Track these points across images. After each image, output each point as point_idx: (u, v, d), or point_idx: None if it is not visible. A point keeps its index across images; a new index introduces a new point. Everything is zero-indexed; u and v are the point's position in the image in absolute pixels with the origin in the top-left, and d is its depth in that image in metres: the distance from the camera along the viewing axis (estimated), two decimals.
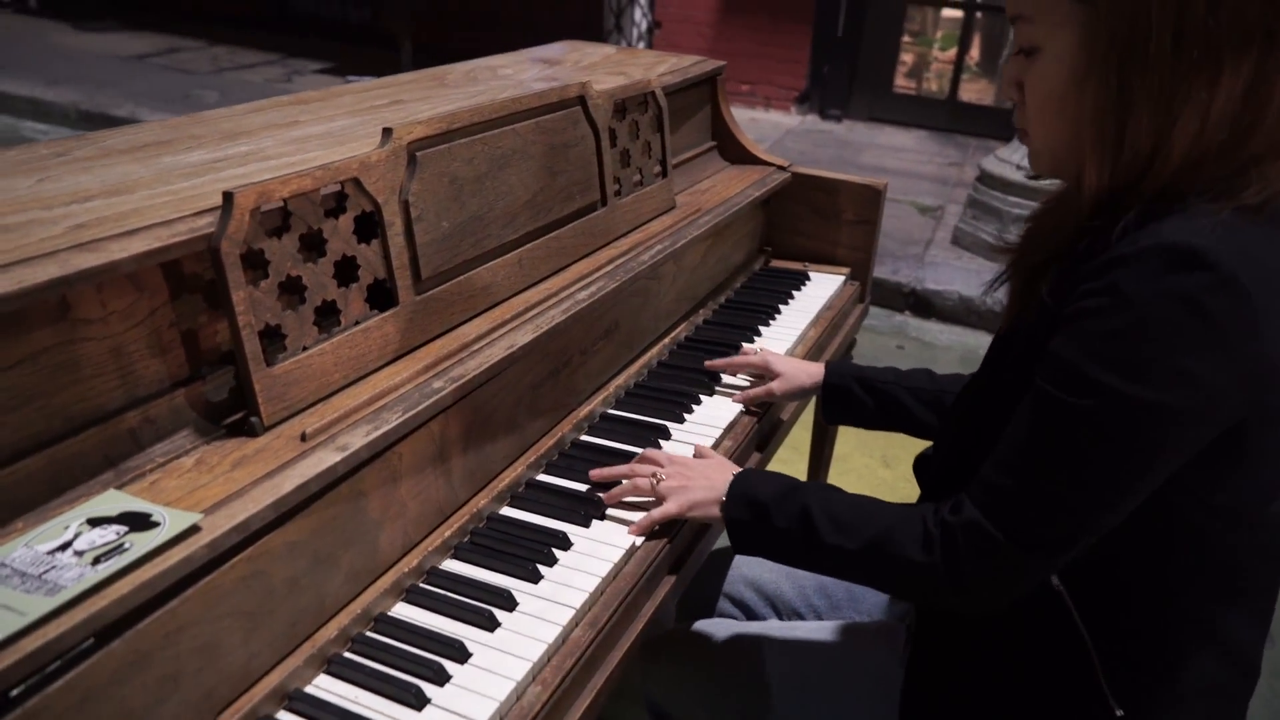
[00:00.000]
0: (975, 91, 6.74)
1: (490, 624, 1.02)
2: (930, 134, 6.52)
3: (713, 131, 2.16)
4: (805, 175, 2.07)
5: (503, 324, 1.24)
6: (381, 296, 1.12)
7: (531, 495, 1.24)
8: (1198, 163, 0.86)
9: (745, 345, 1.67)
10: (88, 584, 0.74)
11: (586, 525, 1.18)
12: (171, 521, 0.81)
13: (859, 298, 2.09)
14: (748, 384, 1.56)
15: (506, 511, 1.21)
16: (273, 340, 1.00)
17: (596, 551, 1.14)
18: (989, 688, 1.06)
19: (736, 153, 2.15)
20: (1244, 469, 0.90)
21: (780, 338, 1.75)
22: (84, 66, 6.97)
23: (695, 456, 1.29)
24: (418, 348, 1.16)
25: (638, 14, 6.81)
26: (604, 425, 1.42)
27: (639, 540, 1.17)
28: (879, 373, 1.42)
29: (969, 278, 4.08)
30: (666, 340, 1.67)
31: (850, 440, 2.93)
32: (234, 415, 0.99)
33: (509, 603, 1.05)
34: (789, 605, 1.42)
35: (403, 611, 1.04)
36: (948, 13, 6.95)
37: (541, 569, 1.10)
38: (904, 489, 2.78)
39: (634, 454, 1.31)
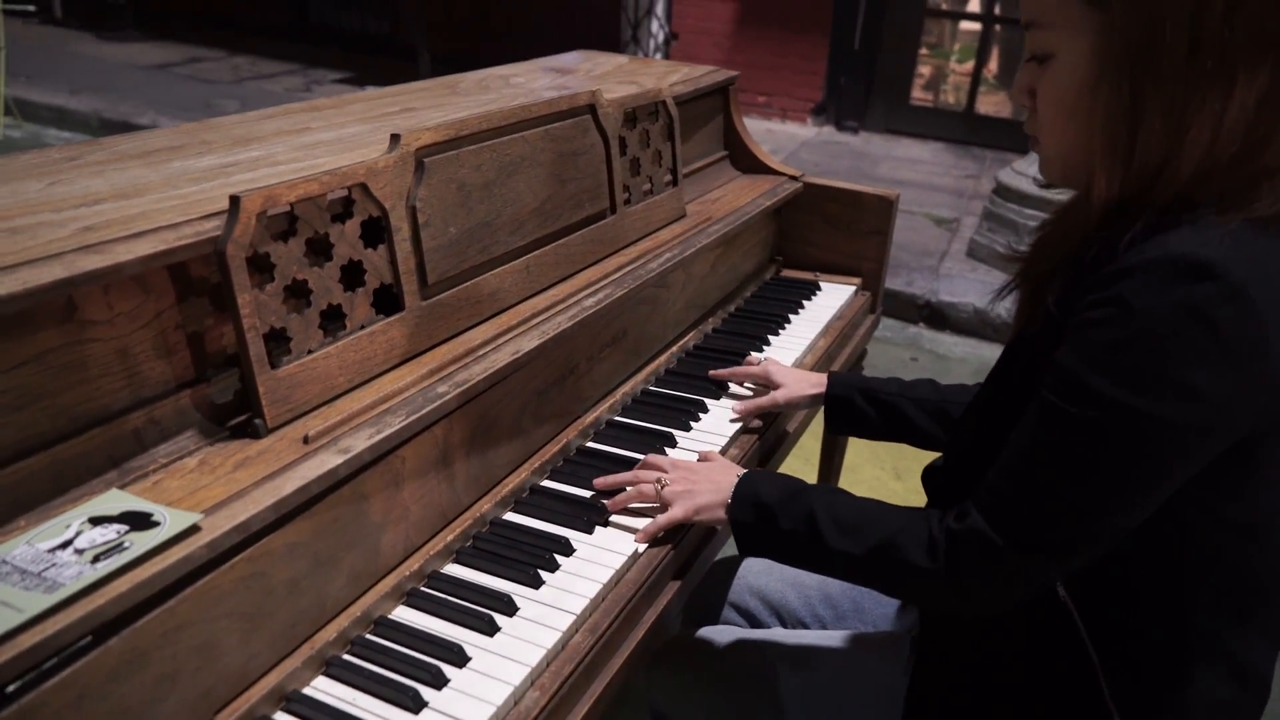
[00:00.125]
0: (993, 104, 6.73)
1: (490, 628, 1.02)
2: (947, 146, 6.51)
3: (725, 141, 2.16)
4: (817, 185, 2.07)
5: (509, 330, 1.24)
6: (387, 301, 1.13)
7: (535, 501, 1.25)
8: (1209, 174, 0.86)
9: (752, 355, 1.67)
10: (86, 582, 0.74)
11: (589, 531, 1.18)
12: (172, 521, 0.82)
13: (870, 308, 2.09)
14: (752, 394, 1.55)
15: (510, 517, 1.21)
16: (278, 343, 1.00)
17: (598, 558, 1.14)
18: (992, 699, 1.06)
19: (748, 162, 2.15)
20: (1257, 483, 0.89)
21: (790, 347, 1.75)
22: (107, 75, 7.05)
23: (699, 460, 1.29)
24: (423, 352, 1.16)
25: (655, 25, 6.83)
26: (610, 432, 1.42)
27: (642, 547, 1.17)
28: (882, 383, 1.42)
29: (984, 290, 4.06)
30: (675, 348, 1.67)
31: (861, 452, 2.92)
32: (238, 417, 0.99)
33: (509, 608, 1.05)
34: (794, 614, 1.41)
35: (403, 615, 1.04)
36: (965, 25, 6.95)
37: (543, 574, 1.10)
38: (915, 501, 2.74)
39: (639, 461, 1.31)
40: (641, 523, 1.19)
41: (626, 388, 1.51)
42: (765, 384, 1.52)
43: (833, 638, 1.30)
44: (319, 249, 1.04)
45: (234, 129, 1.37)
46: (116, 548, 0.78)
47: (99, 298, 0.88)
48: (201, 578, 0.82)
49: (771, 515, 1.09)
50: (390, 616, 1.04)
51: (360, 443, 0.97)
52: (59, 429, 0.86)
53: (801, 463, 2.73)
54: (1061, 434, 0.88)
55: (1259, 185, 0.85)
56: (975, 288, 4.11)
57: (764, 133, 6.47)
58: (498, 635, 1.01)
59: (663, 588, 1.18)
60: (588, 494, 1.26)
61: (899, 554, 0.99)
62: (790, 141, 6.34)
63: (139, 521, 0.82)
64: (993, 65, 6.74)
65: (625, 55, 2.27)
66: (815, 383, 1.47)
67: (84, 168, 1.13)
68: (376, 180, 1.09)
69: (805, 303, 1.94)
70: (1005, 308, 1.07)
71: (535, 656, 0.98)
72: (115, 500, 0.85)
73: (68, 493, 0.86)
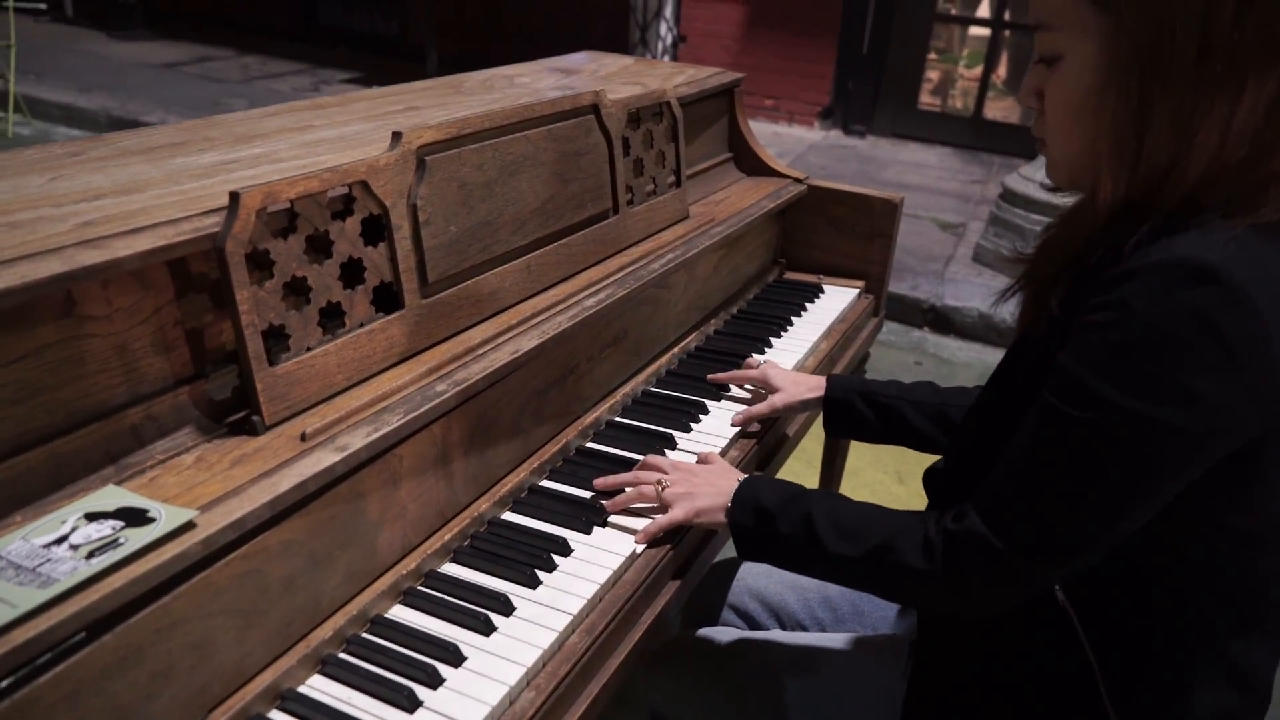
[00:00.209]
0: (1001, 109, 6.72)
1: (486, 628, 1.01)
2: (954, 151, 6.50)
3: (729, 143, 2.16)
4: (821, 188, 2.07)
5: (509, 329, 1.24)
6: (387, 299, 1.12)
7: (534, 501, 1.24)
8: (1216, 178, 0.85)
9: (753, 357, 1.66)
10: (80, 577, 0.74)
11: (588, 532, 1.18)
12: (167, 518, 0.82)
13: (873, 311, 2.08)
14: (750, 397, 1.55)
15: (508, 516, 1.21)
16: (277, 340, 1.00)
17: (596, 559, 1.13)
18: (991, 704, 1.05)
19: (753, 164, 2.15)
20: (1259, 490, 0.88)
21: (792, 350, 1.74)
22: (116, 74, 7.07)
23: (699, 463, 1.28)
24: (423, 351, 1.16)
25: (663, 28, 6.84)
26: (610, 433, 1.42)
27: (641, 548, 1.16)
28: (882, 386, 1.41)
29: (989, 295, 4.05)
30: (676, 349, 1.66)
31: (864, 455, 2.91)
32: (236, 414, 0.99)
33: (506, 607, 1.04)
34: (793, 617, 1.41)
35: (399, 614, 1.04)
36: (974, 31, 6.94)
37: (540, 574, 1.10)
38: (917, 505, 2.74)
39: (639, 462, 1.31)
40: (640, 523, 1.19)
41: (627, 388, 1.51)
42: (764, 387, 1.52)
43: (832, 640, 1.30)
44: (319, 246, 1.04)
45: (237, 126, 1.37)
46: (112, 544, 0.78)
47: (98, 293, 0.88)
48: (196, 574, 0.82)
49: (771, 519, 1.09)
50: (387, 615, 1.03)
51: (357, 441, 0.97)
52: (57, 424, 0.86)
53: (803, 465, 2.72)
54: (1062, 436, 0.87)
55: (1266, 190, 0.85)
56: (980, 292, 4.10)
57: (771, 136, 6.47)
58: (494, 635, 1.01)
59: (661, 589, 1.18)
60: (587, 494, 1.26)
61: (895, 556, 0.99)
62: (797, 145, 6.34)
63: (135, 518, 0.82)
64: (1001, 70, 6.73)
65: (631, 56, 2.27)
66: (813, 386, 1.47)
67: (86, 163, 1.13)
68: (377, 178, 1.09)
69: (808, 305, 1.94)
70: (1010, 312, 1.07)
71: (531, 657, 0.98)
72: (112, 496, 0.85)
73: (65, 488, 0.86)
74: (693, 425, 1.45)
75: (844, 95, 6.72)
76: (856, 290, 2.05)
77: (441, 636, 1.00)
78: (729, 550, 1.28)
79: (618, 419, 1.46)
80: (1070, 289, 0.93)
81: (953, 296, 4.07)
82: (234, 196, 0.94)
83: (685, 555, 1.23)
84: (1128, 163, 0.88)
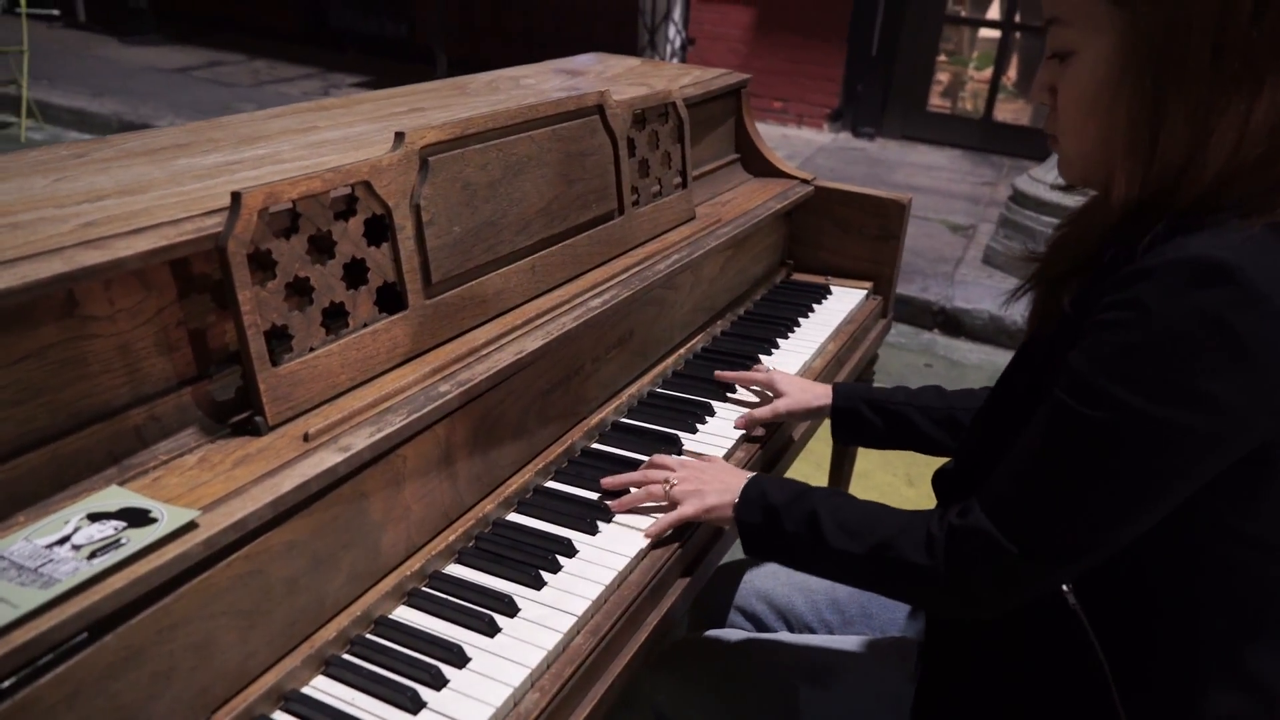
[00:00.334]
0: (1011, 111, 6.70)
1: (490, 629, 1.01)
2: (964, 153, 6.48)
3: (736, 144, 2.15)
4: (829, 189, 2.06)
5: (513, 330, 1.23)
6: (391, 300, 1.12)
7: (539, 501, 1.24)
8: (1233, 177, 0.84)
9: (761, 357, 1.66)
10: (82, 578, 0.74)
11: (593, 533, 1.17)
12: (169, 518, 0.81)
13: (882, 313, 2.07)
14: (756, 400, 1.54)
15: (513, 517, 1.21)
16: (280, 341, 1.00)
17: (602, 559, 1.13)
18: (1000, 709, 1.04)
19: (760, 166, 2.14)
20: (1272, 496, 0.87)
21: (799, 350, 1.73)
22: (127, 79, 7.11)
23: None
24: (426, 351, 1.15)
25: (671, 31, 6.84)
26: (615, 434, 1.41)
27: (646, 544, 1.16)
28: (888, 393, 1.41)
29: (999, 297, 4.03)
30: (682, 350, 1.66)
31: (873, 457, 2.90)
32: (240, 414, 0.99)
33: (510, 608, 1.04)
34: (800, 619, 1.40)
35: (403, 614, 1.03)
36: (985, 33, 6.92)
37: (545, 575, 1.09)
38: (927, 507, 2.74)
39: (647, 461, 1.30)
40: (647, 523, 1.19)
41: (633, 389, 1.50)
42: (769, 391, 1.51)
43: (840, 643, 1.29)
44: (322, 247, 1.04)
45: (241, 127, 1.38)
46: (114, 544, 0.78)
47: (100, 293, 0.88)
48: (198, 575, 0.81)
49: (777, 516, 1.09)
50: (390, 616, 1.03)
51: (360, 441, 0.97)
52: (59, 425, 0.86)
53: (812, 467, 2.71)
54: (1071, 435, 0.86)
55: None
56: (990, 294, 4.08)
57: (780, 138, 6.46)
58: (498, 636, 1.01)
59: (667, 590, 1.18)
60: (592, 495, 1.25)
61: (896, 552, 0.98)
62: (806, 147, 6.33)
63: (137, 518, 0.82)
64: (1011, 72, 6.71)
65: (638, 58, 2.27)
66: (819, 394, 1.46)
67: (90, 164, 1.13)
68: (380, 178, 1.08)
69: (815, 306, 1.93)
70: (1020, 314, 1.06)
71: (535, 658, 0.98)
72: (114, 497, 0.85)
73: (67, 488, 0.86)
74: (699, 427, 1.45)
75: (853, 97, 6.71)
76: (864, 291, 2.04)
77: (445, 637, 0.99)
78: (736, 552, 1.28)
79: (623, 420, 1.45)
80: (1082, 288, 0.92)
81: (963, 298, 4.06)
82: (236, 197, 0.94)
83: (692, 555, 1.23)
84: (1141, 160, 0.87)
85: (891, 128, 6.73)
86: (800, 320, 1.86)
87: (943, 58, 6.77)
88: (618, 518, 1.20)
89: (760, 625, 1.43)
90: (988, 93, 6.49)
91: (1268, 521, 0.88)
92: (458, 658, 0.97)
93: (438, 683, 0.94)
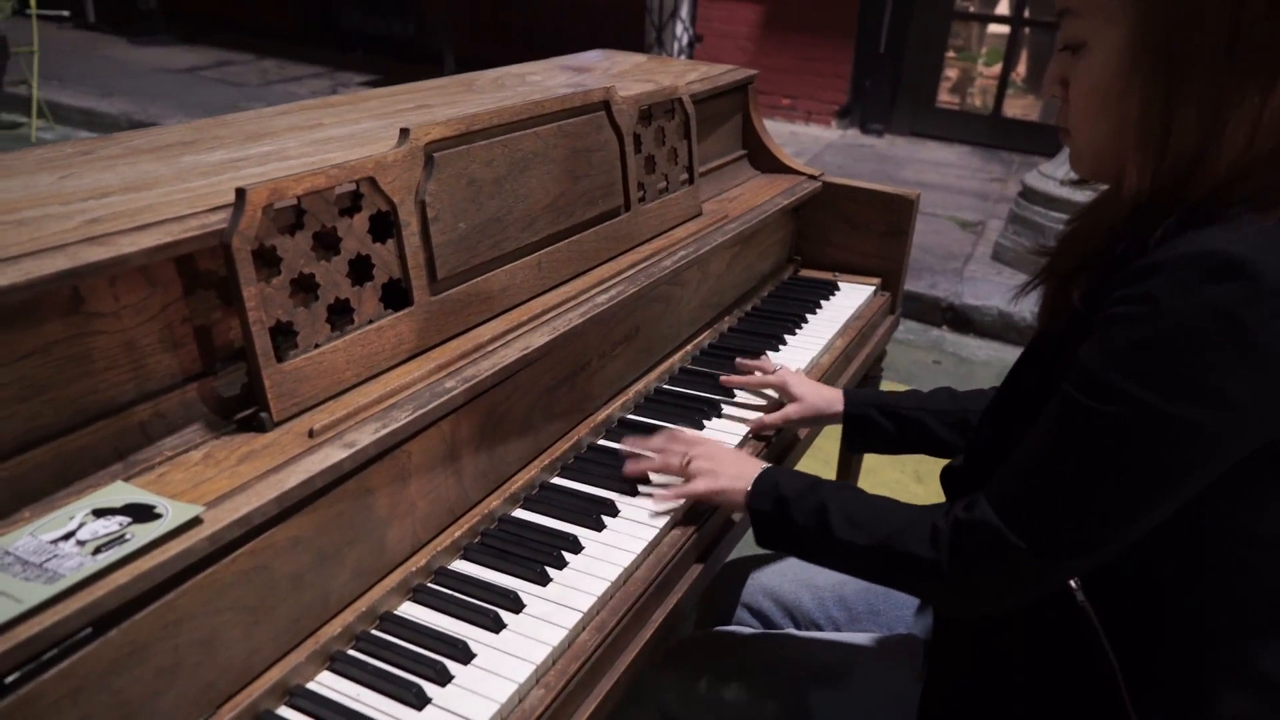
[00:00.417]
0: (1020, 107, 6.67)
1: (495, 625, 1.01)
2: (973, 149, 6.46)
3: (743, 140, 2.15)
4: (836, 185, 2.05)
5: (519, 326, 1.23)
6: (396, 296, 1.12)
7: (544, 498, 1.24)
8: (1246, 170, 0.83)
9: (767, 357, 1.65)
10: (86, 573, 0.74)
11: (599, 529, 1.17)
12: (174, 514, 0.82)
13: (889, 309, 2.07)
14: (765, 401, 1.53)
15: (518, 513, 1.21)
16: (285, 337, 1.00)
17: (607, 555, 1.13)
18: (1008, 707, 1.03)
19: (767, 162, 2.14)
20: None
21: (807, 347, 1.73)
22: (137, 79, 7.13)
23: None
24: (432, 348, 1.15)
25: (679, 28, 6.82)
26: (622, 430, 1.41)
27: (651, 540, 1.15)
28: (900, 398, 1.40)
29: (1008, 293, 3.98)
30: (689, 347, 1.66)
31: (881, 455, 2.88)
32: (245, 411, 0.99)
33: (516, 604, 1.04)
34: (807, 617, 1.39)
35: (409, 610, 1.03)
36: (994, 28, 6.89)
37: (551, 571, 1.09)
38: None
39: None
40: (652, 522, 1.18)
41: (639, 385, 1.50)
42: (781, 394, 1.50)
43: (846, 641, 1.29)
44: (327, 243, 1.04)
45: (247, 124, 1.38)
46: (118, 539, 0.78)
47: (105, 290, 0.88)
48: (202, 571, 0.81)
49: (787, 507, 1.09)
50: (396, 612, 1.03)
51: (365, 437, 0.96)
52: (65, 421, 0.86)
53: (820, 465, 2.71)
54: (1080, 430, 0.86)
55: None
56: (999, 291, 4.07)
57: (788, 135, 6.45)
58: (503, 632, 1.00)
59: (673, 586, 1.17)
60: (598, 491, 1.25)
61: (901, 544, 0.98)
62: (814, 144, 6.32)
63: (141, 514, 0.82)
64: (1021, 68, 6.69)
65: (645, 55, 2.27)
66: (830, 400, 1.44)
67: (95, 162, 1.13)
68: (385, 174, 1.08)
69: (823, 302, 1.93)
70: (1030, 311, 1.05)
71: (540, 654, 0.97)
72: (119, 492, 0.85)
73: (73, 484, 0.86)
74: (705, 423, 1.44)
75: (861, 94, 6.69)
76: (872, 288, 2.03)
77: (451, 633, 0.99)
78: (742, 549, 1.28)
79: (630, 416, 1.45)
80: (1093, 282, 0.92)
81: (971, 295, 4.04)
82: (240, 193, 0.93)
83: (700, 550, 1.23)
84: (1153, 153, 0.86)
85: (900, 124, 6.71)
86: (808, 316, 1.85)
87: (951, 54, 6.75)
88: (624, 514, 1.20)
89: (767, 622, 1.42)
90: (997, 89, 6.47)
91: (1274, 519, 0.87)
92: (463, 654, 0.97)
93: (443, 679, 0.94)
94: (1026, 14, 6.33)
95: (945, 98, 6.79)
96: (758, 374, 1.54)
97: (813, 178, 2.06)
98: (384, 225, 1.10)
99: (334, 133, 1.35)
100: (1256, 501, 0.86)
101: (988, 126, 6.54)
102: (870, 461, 2.36)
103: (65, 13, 8.95)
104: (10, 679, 0.69)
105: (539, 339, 1.21)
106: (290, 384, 0.99)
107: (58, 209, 0.95)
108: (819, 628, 1.39)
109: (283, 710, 0.90)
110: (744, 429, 1.44)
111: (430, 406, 1.03)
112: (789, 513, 1.09)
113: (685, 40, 6.87)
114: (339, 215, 1.05)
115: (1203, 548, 0.89)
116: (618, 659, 1.06)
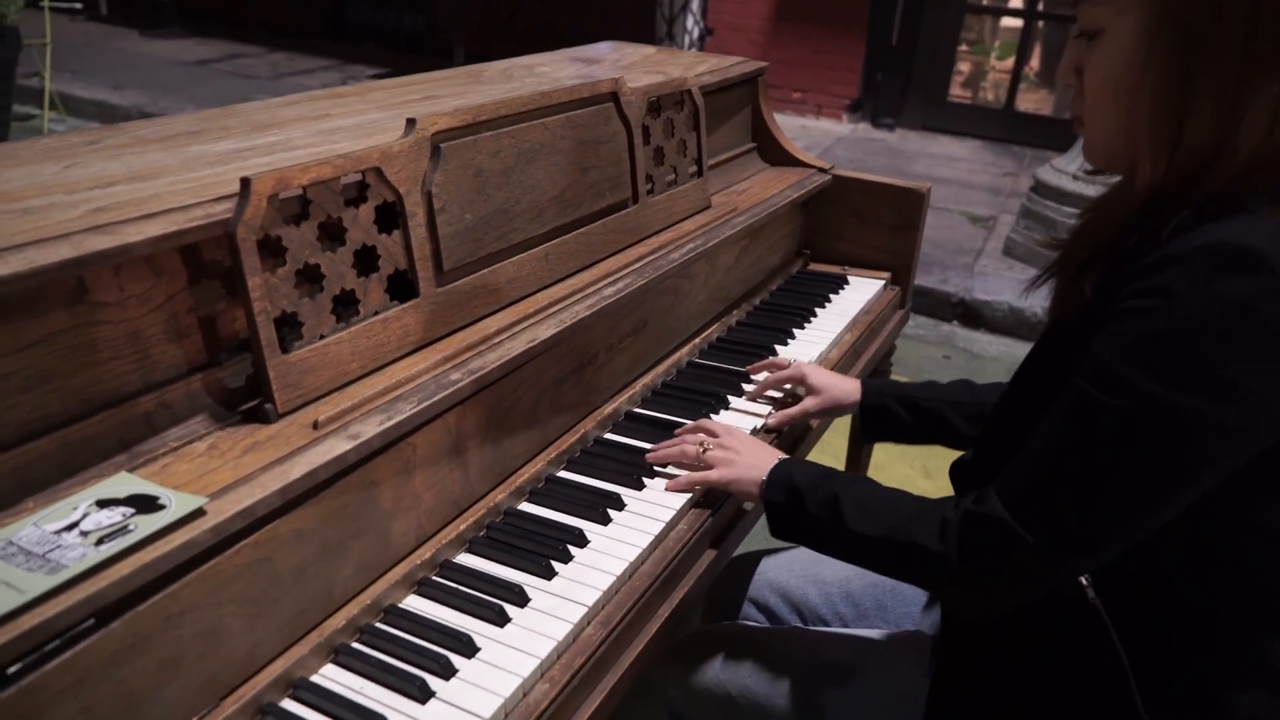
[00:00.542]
0: (1033, 102, 6.64)
1: (500, 619, 1.00)
2: (985, 144, 6.42)
3: (753, 133, 2.14)
4: (846, 178, 2.04)
5: (526, 318, 1.23)
6: (402, 287, 1.12)
7: (550, 491, 1.23)
8: (1264, 162, 0.82)
9: (778, 348, 1.64)
10: (88, 564, 0.74)
11: (605, 523, 1.17)
12: (177, 505, 0.81)
13: (900, 303, 2.05)
14: (779, 393, 1.52)
15: (524, 507, 1.20)
16: (290, 328, 0.99)
17: (613, 549, 1.12)
18: (1017, 705, 1.03)
19: (777, 154, 2.12)
20: None
21: (815, 341, 1.72)
22: (149, 71, 7.14)
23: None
24: (438, 340, 1.15)
25: (690, 21, 6.80)
26: (629, 424, 1.41)
27: (656, 535, 1.15)
28: (918, 389, 1.39)
29: (1020, 288, 3.96)
30: (697, 340, 1.65)
31: (890, 449, 2.85)
32: (250, 402, 0.99)
33: (521, 598, 1.03)
34: (815, 612, 1.39)
35: (413, 604, 1.03)
36: (1007, 22, 6.85)
37: (556, 565, 1.08)
38: None
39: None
40: (658, 518, 1.17)
41: (647, 379, 1.49)
42: (800, 387, 1.48)
43: (853, 637, 1.28)
44: (332, 233, 1.03)
45: (254, 115, 1.37)
46: (121, 530, 0.78)
47: (109, 279, 0.88)
48: (206, 562, 0.81)
49: (800, 498, 1.09)
50: (400, 605, 1.02)
51: (370, 429, 0.96)
52: (69, 411, 0.86)
53: (830, 459, 2.69)
54: (1092, 424, 0.85)
55: None
56: (1011, 286, 4.05)
57: (799, 129, 6.42)
58: (508, 626, 1.00)
59: (679, 581, 1.17)
60: (604, 485, 1.24)
61: (910, 536, 0.97)
62: (825, 138, 6.29)
63: (145, 504, 0.81)
64: (1034, 62, 6.65)
65: (654, 46, 2.25)
66: (849, 390, 1.44)
67: (102, 151, 1.13)
68: (391, 165, 1.08)
69: (832, 296, 1.91)
70: (1041, 305, 1.04)
71: (545, 648, 0.97)
72: (123, 483, 0.85)
73: (77, 475, 0.86)
74: (714, 416, 1.44)
75: (873, 88, 6.66)
76: (882, 282, 2.02)
77: (455, 627, 0.99)
78: (749, 544, 1.27)
79: (637, 410, 1.44)
80: (1106, 274, 0.90)
81: (982, 290, 4.02)
82: (245, 182, 0.93)
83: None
84: (1168, 143, 0.86)
85: (911, 118, 6.67)
86: (817, 310, 1.84)
87: (964, 47, 6.72)
88: (630, 508, 1.20)
89: (774, 618, 1.42)
90: (1009, 83, 6.43)
91: None
92: (467, 647, 0.96)
93: (447, 672, 0.93)
94: (1040, 7, 6.30)
95: (957, 91, 6.76)
96: (773, 371, 1.53)
97: (822, 171, 2.05)
98: (390, 216, 1.09)
99: (341, 123, 1.34)
100: (1269, 497, 0.85)
101: (1000, 121, 6.50)
102: (879, 457, 2.34)
103: (78, 5, 8.98)
104: (13, 670, 0.69)
105: (546, 331, 1.20)
106: (295, 375, 0.98)
107: (63, 198, 0.95)
108: (826, 624, 1.38)
109: (286, 703, 0.90)
110: (754, 422, 1.43)
111: (436, 399, 1.03)
112: (803, 503, 1.08)
113: (696, 34, 6.85)
114: (345, 206, 1.04)
115: (1215, 543, 0.88)
116: (623, 654, 1.05)
